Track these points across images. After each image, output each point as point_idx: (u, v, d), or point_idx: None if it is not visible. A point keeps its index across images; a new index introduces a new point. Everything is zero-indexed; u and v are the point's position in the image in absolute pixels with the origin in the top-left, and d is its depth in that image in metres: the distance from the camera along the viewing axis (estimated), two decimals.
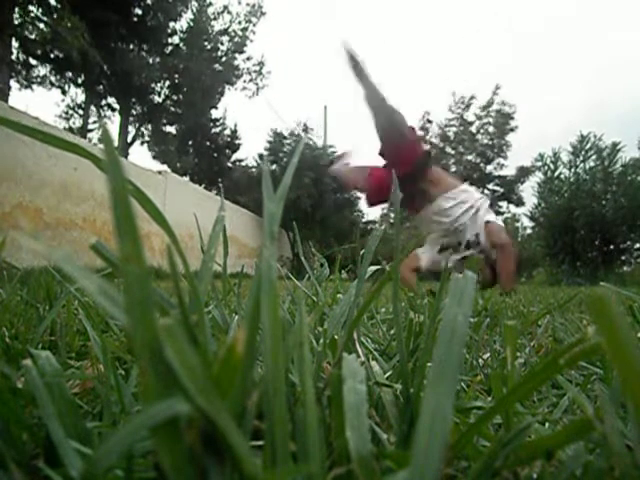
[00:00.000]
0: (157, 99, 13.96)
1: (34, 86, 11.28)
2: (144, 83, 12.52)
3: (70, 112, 13.90)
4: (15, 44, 9.35)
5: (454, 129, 17.16)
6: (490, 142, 16.64)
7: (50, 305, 0.66)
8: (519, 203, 15.99)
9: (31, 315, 0.59)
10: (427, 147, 2.75)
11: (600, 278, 8.20)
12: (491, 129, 16.75)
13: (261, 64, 14.77)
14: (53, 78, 11.79)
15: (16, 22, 8.65)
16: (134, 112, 13.70)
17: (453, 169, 15.38)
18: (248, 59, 14.68)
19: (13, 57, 9.40)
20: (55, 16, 8.44)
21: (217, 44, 14.10)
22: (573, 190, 10.85)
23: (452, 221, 2.61)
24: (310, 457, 0.16)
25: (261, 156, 11.85)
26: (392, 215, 0.31)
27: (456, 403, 0.28)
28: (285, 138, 11.48)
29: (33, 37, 9.19)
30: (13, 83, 10.07)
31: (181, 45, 13.42)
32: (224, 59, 14.15)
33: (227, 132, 15.58)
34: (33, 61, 10.86)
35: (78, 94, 13.42)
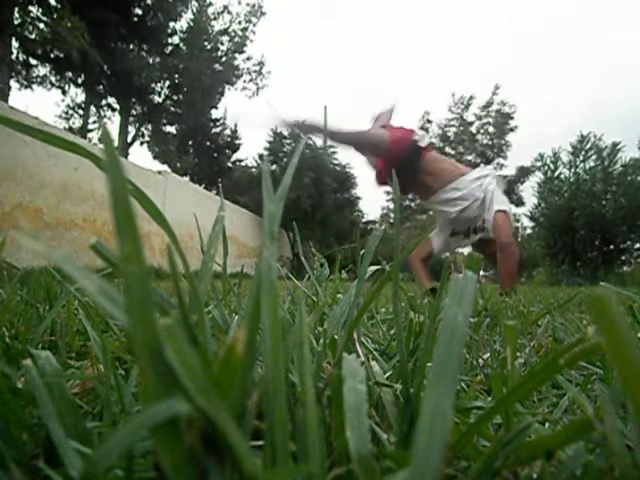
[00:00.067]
0: (157, 99, 13.98)
1: (34, 86, 11.29)
2: (144, 83, 12.53)
3: (70, 112, 13.92)
4: (15, 44, 9.35)
5: (454, 129, 17.18)
6: (490, 142, 16.65)
7: (50, 305, 0.66)
8: (519, 203, 16.01)
9: (31, 315, 0.59)
10: (417, 137, 2.65)
11: (600, 278, 8.20)
12: (491, 129, 16.77)
13: (261, 64, 14.79)
14: (53, 78, 11.80)
15: (16, 22, 8.65)
16: (134, 112, 13.71)
17: None
18: (248, 59, 14.70)
19: (13, 57, 9.40)
20: (55, 16, 8.44)
21: (217, 44, 14.11)
22: (573, 190, 10.85)
23: (458, 211, 2.58)
24: (310, 457, 0.16)
25: (261, 156, 11.86)
26: (392, 215, 0.31)
27: (456, 403, 0.28)
28: (285, 138, 11.48)
29: (33, 37, 9.18)
30: (13, 83, 10.08)
31: (181, 45, 13.43)
32: (224, 59, 14.16)
33: (227, 132, 15.59)
34: (33, 61, 10.86)
35: (78, 94, 13.45)
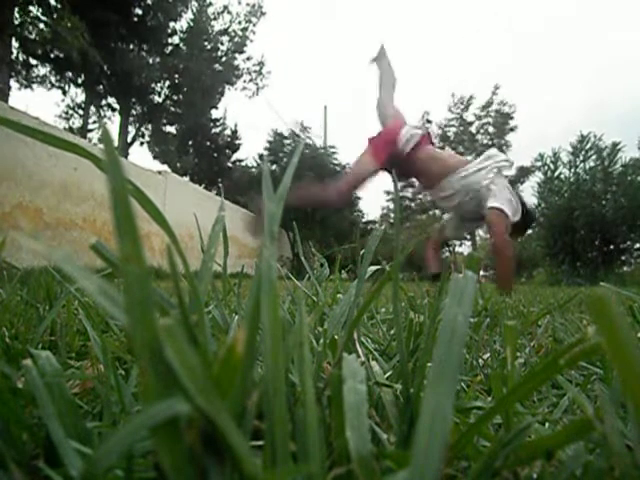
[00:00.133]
0: (157, 99, 13.98)
1: (34, 86, 11.30)
2: (144, 83, 12.53)
3: (70, 112, 13.93)
4: (15, 44, 9.35)
5: (454, 129, 17.18)
6: (490, 142, 16.64)
7: (50, 305, 0.66)
8: None
9: (31, 315, 0.59)
10: (399, 145, 2.61)
11: (600, 278, 8.19)
12: (491, 129, 16.78)
13: (261, 64, 14.79)
14: (53, 78, 11.80)
15: (16, 22, 8.65)
16: (134, 112, 13.71)
17: None
18: (248, 59, 14.71)
19: (13, 57, 9.40)
20: (55, 16, 8.44)
21: (217, 44, 14.11)
22: (573, 190, 10.84)
23: (455, 206, 2.57)
24: (310, 457, 0.16)
25: (261, 156, 11.85)
26: (392, 215, 0.31)
27: (456, 403, 0.28)
28: (285, 138, 11.48)
29: (33, 37, 9.19)
30: (13, 83, 10.08)
31: (181, 45, 13.43)
32: (224, 59, 14.16)
33: (227, 132, 15.60)
34: (33, 61, 10.86)
35: (78, 94, 13.45)
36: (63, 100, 15.93)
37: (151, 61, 12.75)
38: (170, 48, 13.28)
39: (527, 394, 0.19)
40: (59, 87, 12.26)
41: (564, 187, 11.16)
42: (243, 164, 15.04)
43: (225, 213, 0.33)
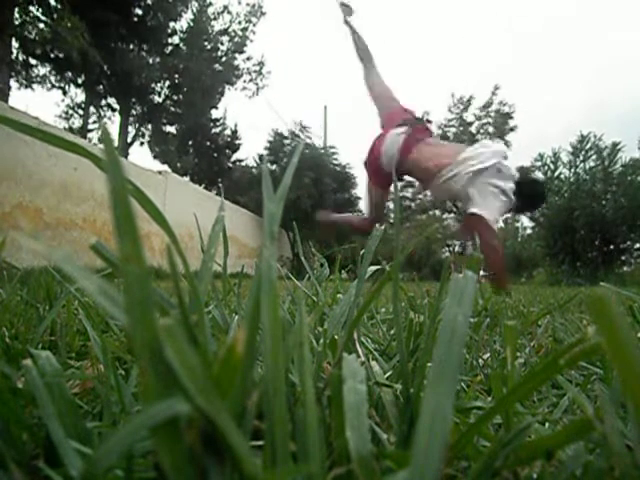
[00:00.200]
0: (157, 99, 13.97)
1: (34, 86, 11.29)
2: (144, 83, 12.52)
3: (70, 112, 13.92)
4: (15, 44, 9.34)
5: (453, 129, 17.17)
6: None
7: (50, 305, 0.66)
8: None
9: (31, 315, 0.59)
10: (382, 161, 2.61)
11: (600, 278, 8.19)
12: (490, 129, 16.76)
13: (261, 64, 14.78)
14: (53, 78, 11.79)
15: (16, 22, 8.65)
16: (134, 112, 13.70)
17: None
18: (248, 59, 14.69)
19: (13, 57, 9.40)
20: (55, 16, 8.43)
21: (217, 44, 14.10)
22: (573, 190, 10.85)
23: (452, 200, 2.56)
24: (310, 457, 0.16)
25: (261, 156, 11.85)
26: (392, 215, 0.31)
27: (456, 403, 0.28)
28: (285, 138, 11.48)
29: (33, 37, 9.18)
30: (13, 83, 10.08)
31: (181, 45, 13.42)
32: (224, 59, 14.15)
33: (227, 132, 15.59)
34: (33, 61, 10.86)
35: (78, 94, 13.44)
36: (63, 100, 15.91)
37: (151, 61, 12.74)
38: (170, 48, 13.27)
39: (527, 394, 0.19)
40: (59, 87, 12.26)
41: (564, 187, 11.17)
42: (243, 164, 15.04)
43: (225, 213, 0.33)
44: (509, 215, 2.50)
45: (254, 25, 14.38)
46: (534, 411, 0.30)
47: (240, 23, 14.27)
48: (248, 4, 14.19)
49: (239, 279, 0.63)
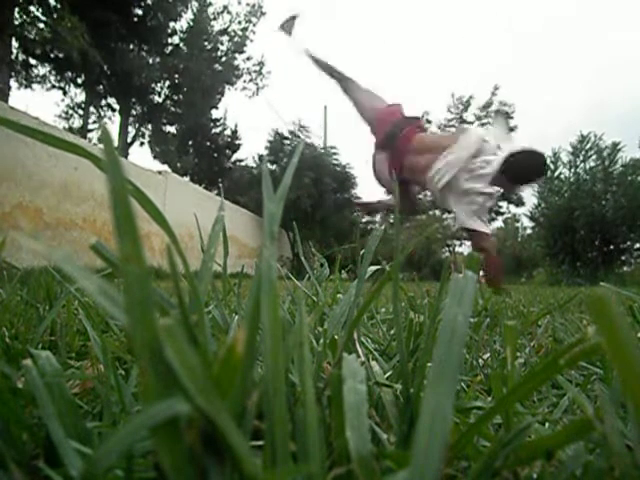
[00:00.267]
0: (157, 99, 13.97)
1: (34, 86, 11.29)
2: (144, 83, 12.52)
3: (70, 112, 13.91)
4: (15, 44, 9.34)
5: (453, 129, 17.17)
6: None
7: (50, 305, 0.66)
8: (519, 203, 15.99)
9: (31, 315, 0.59)
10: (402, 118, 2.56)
11: (600, 278, 8.19)
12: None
13: (261, 64, 14.78)
14: (53, 78, 11.80)
15: (16, 22, 8.65)
16: (134, 112, 13.70)
17: None
18: (248, 59, 14.69)
19: (13, 57, 9.39)
20: (55, 16, 8.43)
21: (217, 44, 14.10)
22: (573, 190, 10.85)
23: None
24: (310, 457, 0.16)
25: (261, 156, 11.85)
26: (392, 215, 0.31)
27: (456, 403, 0.28)
28: (285, 138, 11.47)
29: (33, 37, 9.18)
30: (13, 83, 10.08)
31: (181, 45, 13.42)
32: (224, 59, 14.15)
33: (227, 132, 15.59)
34: (33, 61, 10.86)
35: (78, 94, 13.44)
36: (63, 100, 15.89)
37: (151, 61, 12.74)
38: (170, 48, 13.27)
39: (527, 394, 0.19)
40: (59, 87, 12.26)
41: (564, 187, 11.17)
42: (243, 164, 15.03)
43: (225, 213, 0.33)
44: (502, 192, 2.44)
45: (254, 25, 14.39)
46: (534, 411, 0.30)
47: (240, 23, 14.28)
48: (248, 4, 14.19)
49: (239, 279, 0.63)
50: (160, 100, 13.97)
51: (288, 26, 2.92)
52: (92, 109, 13.58)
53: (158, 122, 14.29)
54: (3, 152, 3.85)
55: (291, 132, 11.49)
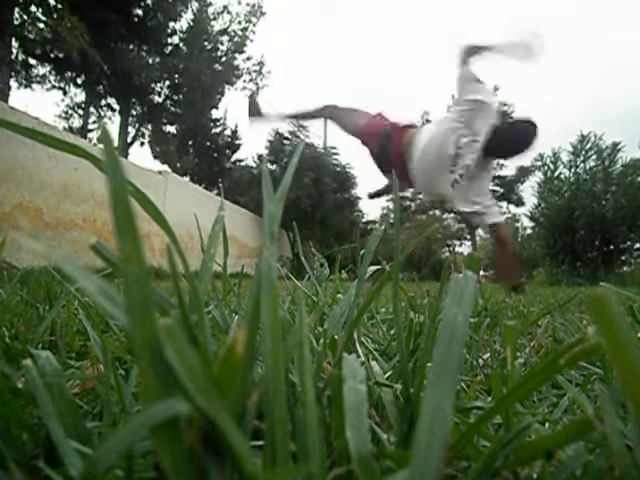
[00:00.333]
0: (157, 99, 13.97)
1: (34, 86, 11.29)
2: (144, 83, 12.53)
3: (70, 112, 13.91)
4: (15, 44, 9.35)
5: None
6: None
7: (50, 305, 0.66)
8: (519, 203, 15.99)
9: (31, 315, 0.59)
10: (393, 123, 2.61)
11: (600, 278, 8.19)
12: None
13: (261, 64, 14.79)
14: (53, 78, 11.80)
15: (16, 22, 8.65)
16: (134, 112, 13.70)
17: None
18: (248, 59, 14.70)
19: (13, 57, 9.39)
20: (55, 16, 8.44)
21: (217, 44, 14.11)
22: (573, 190, 10.83)
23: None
24: (310, 457, 0.16)
25: (261, 156, 11.85)
26: (392, 215, 0.31)
27: (456, 403, 0.28)
28: (285, 138, 11.47)
29: (33, 37, 9.17)
30: (13, 83, 10.08)
31: (181, 45, 13.42)
32: (224, 59, 14.15)
33: (227, 132, 15.59)
34: (33, 61, 10.86)
35: (78, 94, 13.44)
36: (63, 100, 15.88)
37: (151, 61, 12.74)
38: (170, 48, 13.27)
39: (527, 394, 0.19)
40: (59, 87, 12.26)
41: (564, 187, 11.16)
42: (243, 164, 15.03)
43: (225, 213, 0.33)
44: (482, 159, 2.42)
45: (254, 25, 14.39)
46: (534, 411, 0.30)
47: (240, 23, 14.28)
48: (248, 4, 14.20)
49: (239, 279, 0.63)
50: (160, 100, 13.97)
51: (255, 109, 2.89)
52: (92, 109, 13.58)
53: (158, 122, 14.29)
54: (3, 153, 3.85)
55: (291, 132, 11.49)
